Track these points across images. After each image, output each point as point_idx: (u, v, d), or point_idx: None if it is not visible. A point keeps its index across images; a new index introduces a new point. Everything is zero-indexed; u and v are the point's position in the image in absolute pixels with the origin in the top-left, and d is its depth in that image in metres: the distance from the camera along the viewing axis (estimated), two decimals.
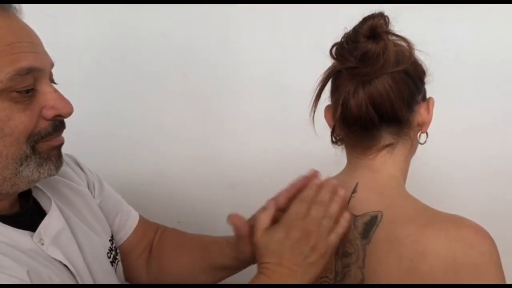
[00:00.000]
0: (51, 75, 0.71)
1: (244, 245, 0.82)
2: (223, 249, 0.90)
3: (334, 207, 0.73)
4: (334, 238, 0.73)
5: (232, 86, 1.32)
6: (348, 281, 0.77)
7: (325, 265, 0.73)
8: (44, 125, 0.68)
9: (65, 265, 0.72)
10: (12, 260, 0.64)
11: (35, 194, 0.77)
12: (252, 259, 0.81)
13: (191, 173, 1.36)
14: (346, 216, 0.74)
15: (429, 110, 0.79)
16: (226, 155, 1.36)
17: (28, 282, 0.62)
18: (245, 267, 0.89)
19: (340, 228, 0.73)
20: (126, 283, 0.93)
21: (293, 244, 0.71)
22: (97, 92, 1.25)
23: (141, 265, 0.97)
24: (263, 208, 0.77)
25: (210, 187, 1.34)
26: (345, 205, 0.75)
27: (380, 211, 0.75)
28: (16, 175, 0.67)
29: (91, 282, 0.77)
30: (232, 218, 0.82)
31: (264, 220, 0.75)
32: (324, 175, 0.87)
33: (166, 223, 1.05)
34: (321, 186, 0.75)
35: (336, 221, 0.73)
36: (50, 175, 0.70)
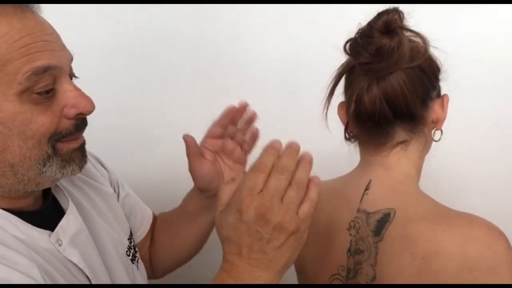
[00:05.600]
0: (71, 69, 0.70)
1: (196, 168, 0.88)
2: (189, 197, 0.95)
3: (301, 175, 0.60)
4: (307, 208, 0.59)
5: (243, 83, 1.33)
6: (360, 279, 0.76)
7: (302, 245, 0.61)
8: (66, 124, 0.67)
9: (81, 268, 0.72)
10: (27, 258, 0.64)
11: (54, 191, 0.77)
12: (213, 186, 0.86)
13: None
14: (316, 181, 0.61)
15: (443, 107, 0.79)
16: None
17: (41, 280, 0.62)
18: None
19: (313, 195, 0.60)
20: (147, 282, 0.94)
21: (248, 227, 0.58)
22: (108, 89, 1.25)
23: (147, 260, 0.98)
24: (230, 180, 0.65)
25: None
26: (309, 167, 0.61)
27: (393, 209, 0.75)
28: (40, 175, 0.67)
29: (108, 283, 0.77)
30: (186, 136, 0.87)
31: (223, 194, 0.63)
32: (337, 172, 0.87)
33: None
34: (281, 151, 0.61)
35: (303, 187, 0.60)
36: (73, 174, 0.70)
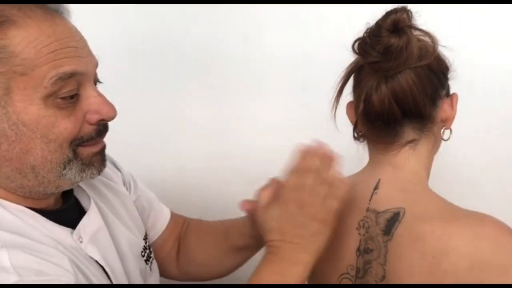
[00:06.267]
0: (95, 75, 0.72)
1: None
2: (241, 230, 0.93)
3: (327, 173, 0.72)
4: (333, 203, 0.72)
5: (253, 82, 1.33)
6: (369, 278, 0.76)
7: (329, 233, 0.72)
8: (88, 129, 0.69)
9: (100, 265, 0.74)
10: (57, 251, 0.66)
11: (75, 191, 0.79)
12: None
13: (212, 169, 1.37)
14: (342, 179, 0.73)
15: (453, 106, 0.78)
16: (246, 151, 1.36)
17: (71, 271, 0.64)
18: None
19: (337, 191, 0.72)
20: (159, 282, 0.95)
21: (291, 217, 0.70)
22: (119, 89, 1.26)
23: (172, 259, 0.99)
24: (265, 185, 0.77)
25: (230, 183, 1.35)
26: (336, 165, 0.74)
27: (403, 208, 0.74)
28: (60, 177, 0.68)
29: (125, 282, 0.78)
30: (244, 206, 0.84)
31: (264, 197, 0.75)
32: (346, 172, 0.87)
33: None
34: (309, 152, 0.74)
35: (332, 184, 0.72)
36: (92, 178, 0.72)
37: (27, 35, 0.62)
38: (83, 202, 0.79)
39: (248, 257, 0.96)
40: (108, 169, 0.90)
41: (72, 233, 0.71)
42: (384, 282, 0.74)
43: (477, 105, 1.17)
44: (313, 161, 0.72)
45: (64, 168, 0.68)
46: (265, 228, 0.73)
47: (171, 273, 1.00)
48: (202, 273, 1.00)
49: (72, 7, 0.72)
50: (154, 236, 0.96)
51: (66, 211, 0.74)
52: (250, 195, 0.81)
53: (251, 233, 0.89)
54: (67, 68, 0.64)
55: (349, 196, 0.82)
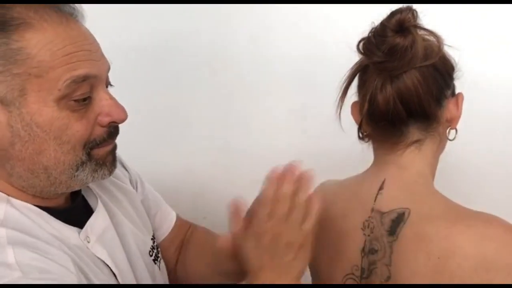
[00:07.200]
0: (107, 78, 0.73)
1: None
2: (228, 254, 0.87)
3: (301, 196, 0.70)
4: (308, 226, 0.70)
5: (259, 83, 1.33)
6: (374, 278, 0.76)
7: (309, 254, 0.72)
8: (99, 132, 0.70)
9: (108, 265, 0.74)
10: (61, 251, 0.67)
11: (83, 190, 0.79)
12: None
13: (217, 169, 1.37)
14: (313, 198, 0.71)
15: (458, 106, 0.78)
16: (252, 151, 1.36)
17: (74, 273, 0.65)
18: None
19: (312, 214, 0.70)
20: (167, 282, 0.94)
21: (266, 249, 0.69)
22: (126, 89, 1.26)
23: (171, 264, 0.99)
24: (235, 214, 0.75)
25: (235, 183, 1.35)
26: (309, 187, 0.71)
27: (408, 208, 0.74)
28: (72, 178, 0.69)
29: (133, 282, 0.79)
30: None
31: (236, 227, 0.73)
32: (350, 172, 0.87)
33: (192, 219, 1.06)
34: (280, 179, 0.71)
35: (304, 207, 0.70)
36: (103, 179, 0.73)
37: (43, 38, 0.63)
38: (91, 201, 0.80)
39: (240, 280, 0.91)
40: (116, 168, 0.90)
41: (79, 232, 0.72)
42: (389, 283, 0.74)
43: (480, 105, 1.16)
44: (284, 188, 0.70)
45: (77, 170, 0.69)
46: (242, 258, 0.73)
47: (169, 276, 0.98)
48: (194, 282, 0.99)
49: (81, 6, 0.72)
50: (159, 237, 0.96)
51: (74, 210, 0.75)
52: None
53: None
54: (81, 71, 0.65)
55: (351, 197, 0.82)
